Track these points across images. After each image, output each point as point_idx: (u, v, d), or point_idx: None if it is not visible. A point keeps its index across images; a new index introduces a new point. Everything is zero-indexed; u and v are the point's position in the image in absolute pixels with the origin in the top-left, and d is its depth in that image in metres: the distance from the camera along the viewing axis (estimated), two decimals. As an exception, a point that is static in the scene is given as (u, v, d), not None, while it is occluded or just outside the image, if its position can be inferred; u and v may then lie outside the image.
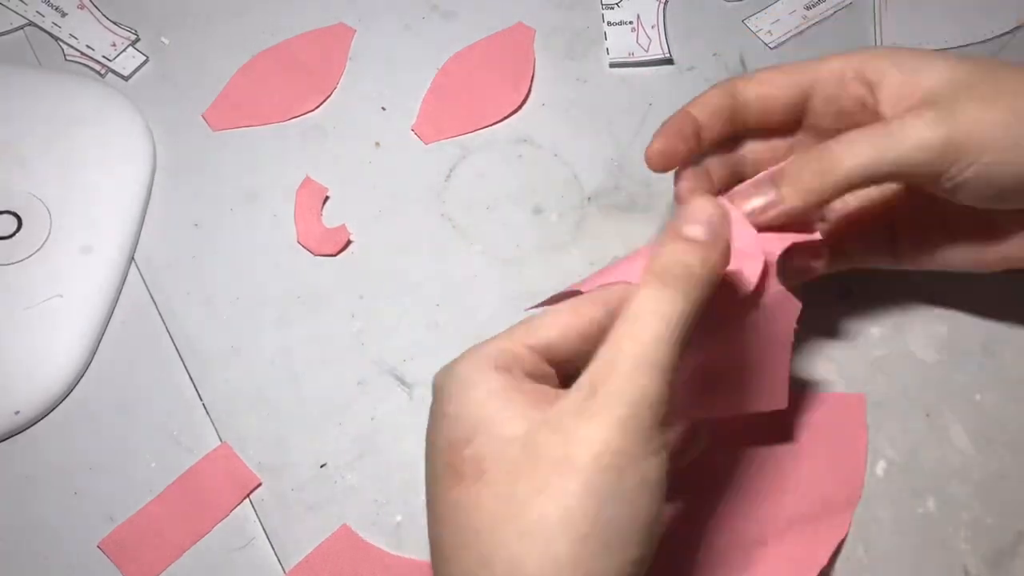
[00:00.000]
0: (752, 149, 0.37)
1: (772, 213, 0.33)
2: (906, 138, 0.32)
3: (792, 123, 0.37)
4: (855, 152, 0.32)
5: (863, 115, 0.34)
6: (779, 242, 0.33)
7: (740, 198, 0.34)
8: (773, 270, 0.33)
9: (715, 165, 0.37)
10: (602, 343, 0.27)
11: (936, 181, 0.33)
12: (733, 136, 0.37)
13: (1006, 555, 0.37)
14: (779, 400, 0.35)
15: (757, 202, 0.33)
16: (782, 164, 0.34)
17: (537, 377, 0.28)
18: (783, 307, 0.34)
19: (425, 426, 0.40)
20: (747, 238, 0.32)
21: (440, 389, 0.28)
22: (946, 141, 0.31)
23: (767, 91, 0.36)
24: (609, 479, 0.24)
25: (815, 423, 0.39)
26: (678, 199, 0.36)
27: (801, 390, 0.40)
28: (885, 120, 0.33)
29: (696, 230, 0.28)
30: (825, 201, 0.33)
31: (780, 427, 0.39)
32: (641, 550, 0.25)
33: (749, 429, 0.39)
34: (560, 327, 0.29)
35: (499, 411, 0.26)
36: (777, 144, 0.37)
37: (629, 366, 0.25)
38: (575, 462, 0.24)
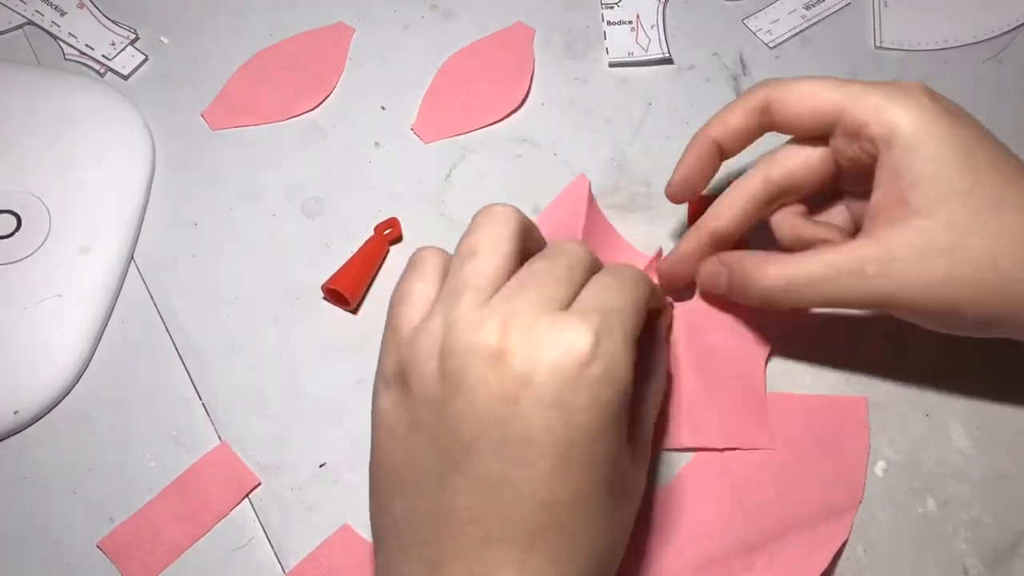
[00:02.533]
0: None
1: (717, 293, 0.39)
2: (850, 289, 0.34)
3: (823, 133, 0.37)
4: (792, 294, 0.35)
5: (872, 171, 0.34)
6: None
7: (702, 272, 0.40)
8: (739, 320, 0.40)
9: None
10: None
11: None
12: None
13: (1006, 555, 0.37)
14: (764, 441, 0.39)
15: (710, 285, 0.39)
16: (739, 263, 0.37)
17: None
18: (752, 350, 0.40)
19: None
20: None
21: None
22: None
23: (796, 116, 0.36)
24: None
25: (816, 426, 0.39)
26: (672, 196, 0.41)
27: (802, 392, 0.40)
28: (837, 251, 0.34)
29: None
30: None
31: (781, 430, 0.39)
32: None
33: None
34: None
35: None
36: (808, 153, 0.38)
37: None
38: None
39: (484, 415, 0.28)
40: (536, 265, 0.30)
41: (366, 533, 0.38)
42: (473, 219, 0.32)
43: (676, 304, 0.41)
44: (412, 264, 0.32)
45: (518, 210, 0.32)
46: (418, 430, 0.29)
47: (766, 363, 0.40)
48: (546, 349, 0.27)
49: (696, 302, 0.41)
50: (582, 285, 0.30)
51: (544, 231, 0.35)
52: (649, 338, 0.35)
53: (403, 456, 0.30)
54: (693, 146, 0.39)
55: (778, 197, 0.38)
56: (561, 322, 0.28)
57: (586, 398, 0.27)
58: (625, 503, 0.31)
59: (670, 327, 0.39)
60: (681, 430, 0.38)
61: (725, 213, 0.38)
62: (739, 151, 0.39)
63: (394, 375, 0.30)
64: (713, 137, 0.38)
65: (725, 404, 0.39)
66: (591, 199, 0.43)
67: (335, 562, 0.37)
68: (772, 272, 0.35)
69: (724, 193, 0.38)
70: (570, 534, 0.28)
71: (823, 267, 0.34)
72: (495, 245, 0.30)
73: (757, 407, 0.39)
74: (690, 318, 0.40)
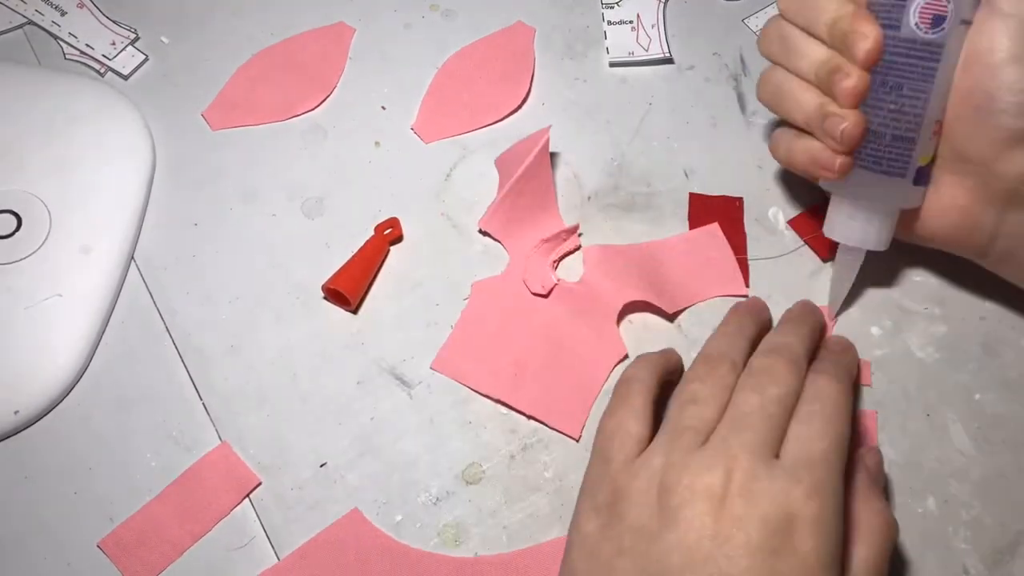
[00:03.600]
0: None
1: None
2: None
3: None
4: None
5: None
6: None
7: None
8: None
9: None
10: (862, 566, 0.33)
11: None
12: None
13: (1006, 555, 0.37)
14: (574, 427, 0.40)
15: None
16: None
17: None
18: (609, 349, 0.41)
19: (425, 423, 0.40)
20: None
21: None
22: None
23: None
24: None
25: None
26: None
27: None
28: None
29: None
30: None
31: None
32: None
33: None
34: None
35: None
36: None
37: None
38: None
39: (695, 549, 0.29)
40: (750, 401, 0.32)
41: (370, 515, 0.38)
42: (700, 357, 0.36)
43: (561, 280, 0.43)
44: (621, 397, 0.35)
45: (737, 359, 0.35)
46: (624, 555, 0.30)
47: (614, 367, 0.41)
48: (762, 501, 0.29)
49: (582, 286, 0.42)
50: (790, 415, 0.32)
51: (498, 169, 0.42)
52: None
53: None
54: None
55: None
56: (777, 476, 0.30)
57: (790, 549, 0.29)
58: None
59: (879, 464, 0.38)
60: (515, 390, 0.40)
61: None
62: None
63: (605, 503, 0.32)
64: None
65: (561, 385, 0.40)
66: (544, 150, 0.43)
67: (342, 544, 0.37)
68: None
69: None
70: None
71: None
72: (715, 395, 0.33)
73: (584, 402, 0.40)
74: (574, 299, 0.42)
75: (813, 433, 0.31)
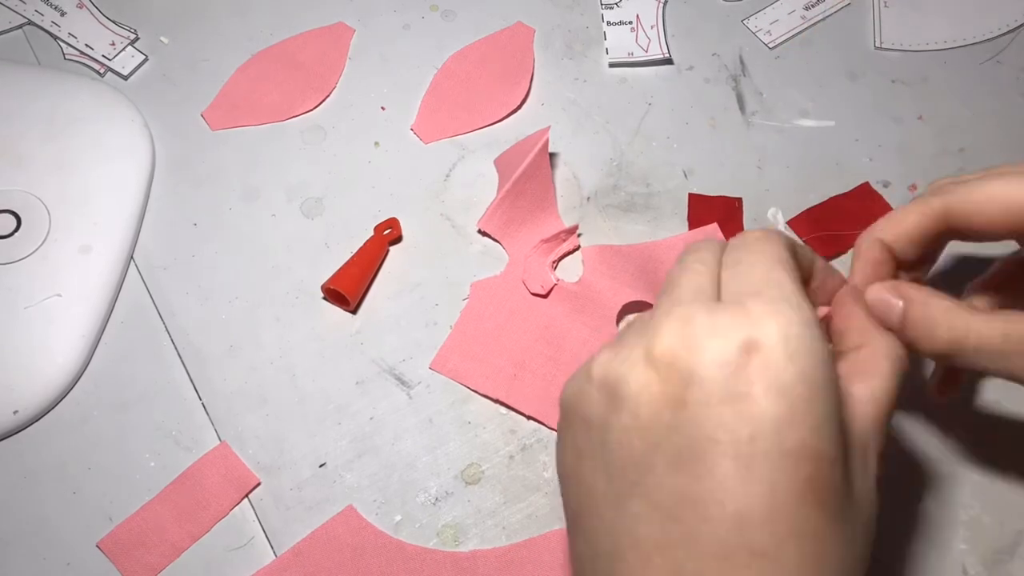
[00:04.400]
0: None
1: (885, 325, 0.32)
2: None
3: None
4: (980, 356, 0.30)
5: None
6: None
7: (872, 292, 0.33)
8: None
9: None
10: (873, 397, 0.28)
11: None
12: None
13: (1005, 555, 0.37)
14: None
15: (878, 307, 0.32)
16: (919, 299, 0.32)
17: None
18: None
19: (424, 423, 0.40)
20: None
21: (790, 371, 0.24)
22: None
23: (987, 221, 0.32)
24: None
25: None
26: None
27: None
28: None
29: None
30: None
31: None
32: None
33: None
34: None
35: (847, 434, 0.26)
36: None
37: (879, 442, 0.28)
38: (871, 525, 0.27)
39: (652, 426, 0.25)
40: (671, 272, 0.29)
41: (369, 515, 0.38)
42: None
43: (560, 280, 0.42)
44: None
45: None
46: (584, 457, 0.27)
47: None
48: (705, 341, 0.24)
49: (581, 286, 0.42)
50: (719, 266, 0.28)
51: (498, 170, 0.42)
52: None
53: (577, 492, 0.27)
54: (863, 251, 0.34)
55: (949, 232, 0.33)
56: (718, 312, 0.25)
57: (763, 384, 0.24)
58: (846, 520, 0.25)
59: (879, 302, 0.33)
60: (514, 390, 0.40)
61: (895, 226, 0.33)
62: (914, 260, 0.34)
63: (563, 422, 0.28)
64: (885, 240, 0.33)
65: (560, 385, 0.38)
66: (543, 150, 0.43)
67: (338, 540, 0.37)
68: (978, 325, 0.30)
69: (898, 208, 0.34)
70: (771, 558, 0.23)
71: None
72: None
73: None
74: (573, 299, 0.42)
75: (744, 266, 0.27)
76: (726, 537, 0.23)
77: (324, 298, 0.43)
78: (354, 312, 0.43)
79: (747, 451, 0.23)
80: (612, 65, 0.49)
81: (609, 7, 0.51)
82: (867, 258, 0.34)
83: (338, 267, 0.43)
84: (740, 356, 0.24)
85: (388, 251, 0.44)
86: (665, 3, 0.51)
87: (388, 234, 0.44)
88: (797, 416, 0.24)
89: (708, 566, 0.24)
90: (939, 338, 0.31)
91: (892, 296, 0.32)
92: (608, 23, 0.50)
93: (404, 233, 0.45)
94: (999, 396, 0.40)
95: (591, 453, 0.26)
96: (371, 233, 0.44)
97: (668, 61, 0.49)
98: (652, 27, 0.50)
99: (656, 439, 0.24)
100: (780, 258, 0.27)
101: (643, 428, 0.25)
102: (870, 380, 0.28)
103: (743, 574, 0.23)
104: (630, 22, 0.50)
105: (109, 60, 0.49)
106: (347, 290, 0.41)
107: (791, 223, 0.45)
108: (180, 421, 0.40)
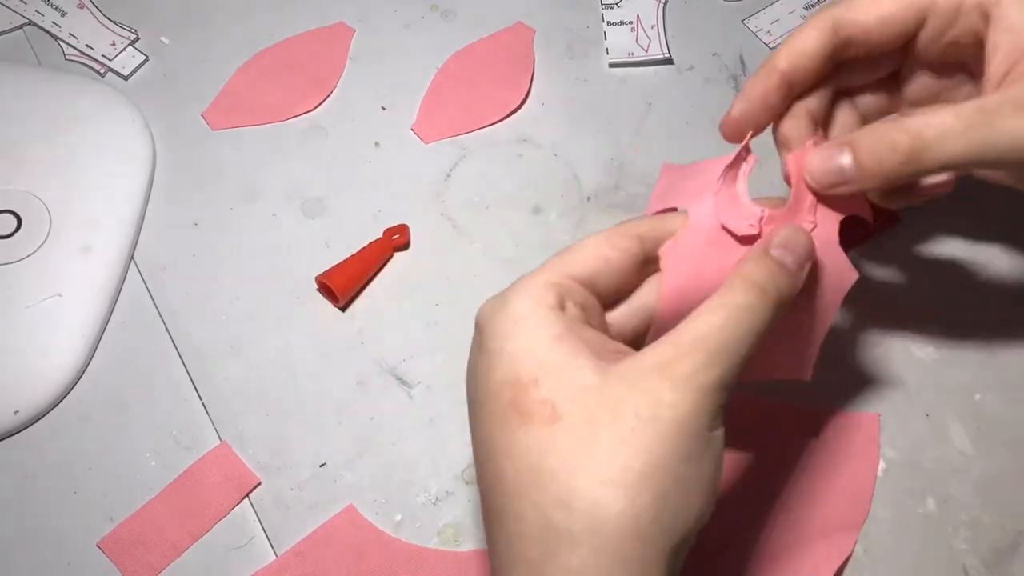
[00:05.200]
0: (852, 80, 0.35)
1: (842, 190, 0.31)
2: (1005, 133, 0.29)
3: (898, 52, 0.34)
4: (946, 143, 0.29)
5: (975, 51, 0.32)
6: (834, 215, 0.32)
7: (812, 166, 0.31)
8: (833, 239, 0.32)
9: (811, 102, 0.34)
10: (692, 317, 0.27)
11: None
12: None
13: (1005, 555, 0.37)
14: (803, 370, 0.33)
15: (829, 175, 0.31)
16: (858, 133, 0.31)
17: (587, 309, 0.30)
18: (837, 277, 0.33)
19: (425, 423, 0.40)
20: (806, 203, 0.32)
21: (491, 323, 0.28)
22: None
23: (877, 17, 0.32)
24: (688, 442, 0.26)
25: (828, 441, 0.39)
26: (781, 144, 0.34)
27: (814, 404, 0.40)
28: (985, 99, 0.30)
29: (788, 259, 0.29)
30: (901, 184, 0.31)
31: (792, 445, 0.39)
32: (705, 508, 0.27)
33: (760, 445, 0.39)
34: (600, 259, 0.30)
35: (569, 357, 0.27)
36: (880, 78, 0.35)
37: (716, 350, 0.26)
38: (661, 421, 0.26)
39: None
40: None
41: (370, 515, 0.38)
42: None
43: (765, 209, 0.32)
44: None
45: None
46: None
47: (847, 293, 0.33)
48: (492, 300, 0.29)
49: (784, 211, 0.32)
50: None
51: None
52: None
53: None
54: (759, 75, 0.33)
55: (841, 46, 0.33)
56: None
57: (486, 330, 0.29)
58: (566, 422, 0.26)
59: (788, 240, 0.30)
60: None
61: (795, 49, 0.33)
62: (810, 86, 0.33)
63: None
64: (781, 68, 0.33)
65: (785, 332, 0.32)
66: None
67: (338, 540, 0.37)
68: (927, 119, 0.29)
69: (789, 34, 0.34)
70: (497, 480, 0.27)
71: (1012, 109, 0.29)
72: None
73: (813, 340, 0.33)
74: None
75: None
76: (478, 471, 0.28)
77: (317, 289, 0.43)
78: (343, 309, 0.43)
79: (473, 396, 0.29)
80: (612, 65, 0.49)
81: (609, 7, 0.51)
82: (760, 81, 0.33)
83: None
84: (493, 308, 0.28)
85: (392, 256, 0.44)
86: (665, 3, 0.51)
87: (396, 239, 0.44)
88: (498, 353, 0.28)
89: (484, 499, 0.28)
90: (930, 158, 0.29)
91: (833, 148, 0.31)
92: (608, 23, 0.50)
93: (404, 233, 0.45)
94: (1000, 395, 0.40)
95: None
96: (379, 233, 0.44)
97: (668, 61, 0.49)
98: (652, 27, 0.50)
99: (482, 389, 0.28)
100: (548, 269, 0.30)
101: (476, 380, 0.29)
102: (708, 316, 0.28)
103: (485, 502, 0.27)
104: (630, 22, 0.50)
105: (110, 60, 0.49)
106: (337, 287, 0.41)
107: (791, 223, 0.44)
108: (180, 421, 0.40)
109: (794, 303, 0.30)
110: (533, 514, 0.26)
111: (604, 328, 0.31)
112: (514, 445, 0.26)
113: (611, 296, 0.31)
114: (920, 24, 0.33)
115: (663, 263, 0.31)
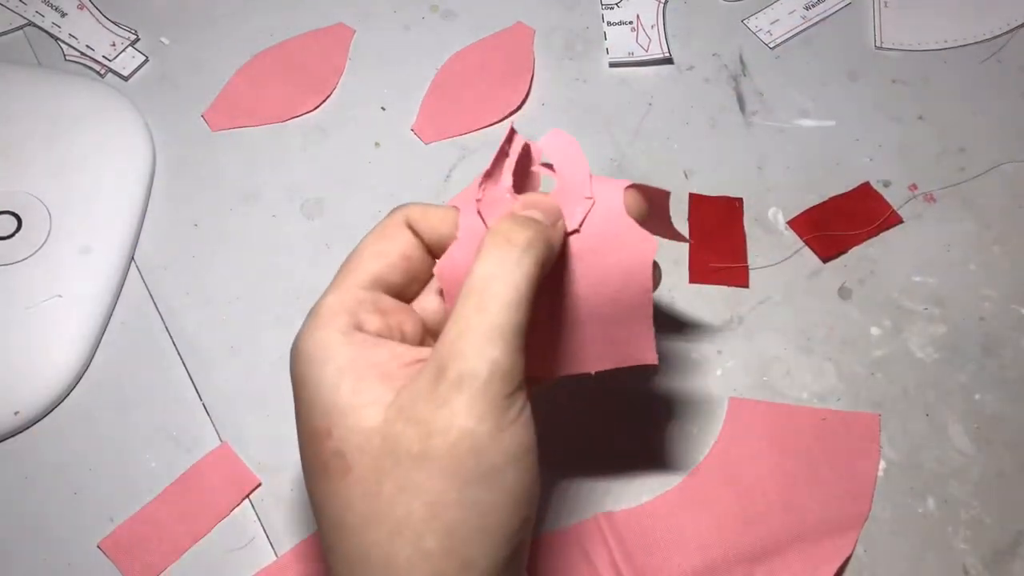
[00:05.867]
0: None
1: None
2: None
3: None
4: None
5: None
6: (616, 185, 0.30)
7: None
8: (619, 209, 0.30)
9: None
10: (450, 317, 0.26)
11: None
12: None
13: (1005, 555, 0.37)
14: (646, 353, 0.31)
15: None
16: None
17: (387, 312, 0.28)
18: (637, 249, 0.30)
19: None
20: (579, 179, 0.30)
21: (292, 369, 0.27)
22: None
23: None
24: (469, 464, 0.24)
25: (828, 441, 0.39)
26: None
27: (814, 403, 0.40)
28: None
29: (536, 214, 0.28)
30: None
31: (792, 443, 0.39)
32: (519, 518, 0.25)
33: (760, 445, 0.39)
34: (378, 257, 0.29)
35: (352, 396, 0.25)
36: None
37: (478, 341, 0.25)
38: (433, 455, 0.24)
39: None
40: None
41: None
42: None
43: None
44: None
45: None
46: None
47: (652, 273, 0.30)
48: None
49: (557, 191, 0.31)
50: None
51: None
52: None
53: None
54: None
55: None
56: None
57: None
58: (356, 474, 0.25)
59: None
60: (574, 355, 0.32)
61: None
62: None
63: None
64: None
65: (612, 321, 0.31)
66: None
67: None
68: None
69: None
70: (321, 538, 0.27)
71: None
72: None
73: (644, 322, 0.31)
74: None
75: None
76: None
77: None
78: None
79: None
80: (612, 65, 0.49)
81: (609, 7, 0.51)
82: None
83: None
84: (291, 353, 0.28)
85: None
86: (665, 3, 0.51)
87: None
88: (297, 405, 0.27)
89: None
90: None
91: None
92: (608, 23, 0.50)
93: (404, 233, 0.45)
94: (999, 396, 0.40)
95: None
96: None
97: (668, 61, 0.49)
98: (652, 27, 0.50)
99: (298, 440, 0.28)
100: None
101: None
102: (479, 264, 0.27)
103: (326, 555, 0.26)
104: (630, 22, 0.50)
105: (110, 61, 0.49)
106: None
107: (791, 223, 0.45)
108: (181, 422, 0.40)
109: (604, 283, 0.29)
110: (341, 568, 0.25)
111: (416, 323, 0.29)
112: (322, 499, 0.26)
113: (410, 286, 0.30)
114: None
115: (441, 282, 0.30)
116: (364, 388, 0.25)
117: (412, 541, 0.24)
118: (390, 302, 0.29)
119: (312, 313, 0.28)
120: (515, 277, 0.26)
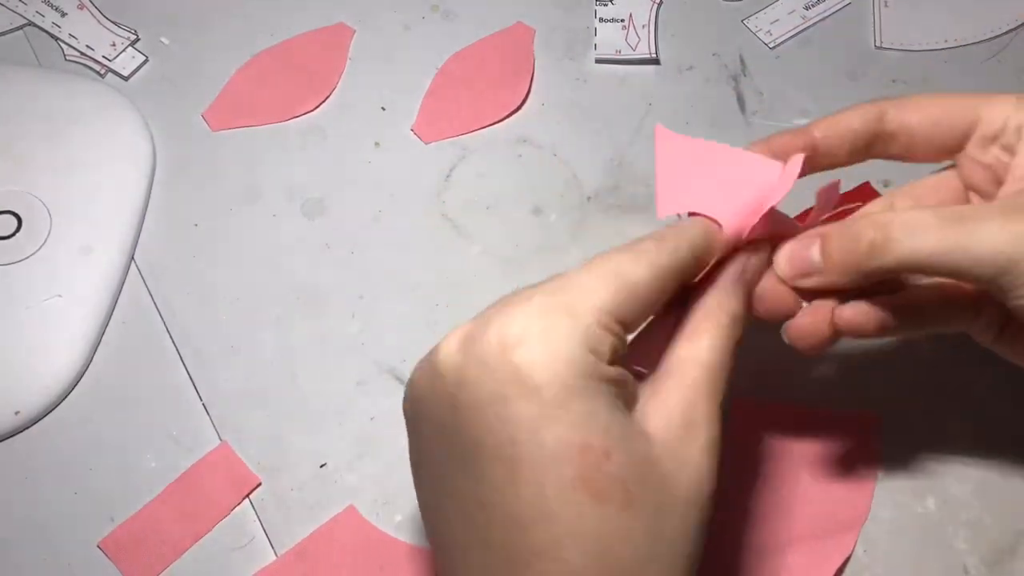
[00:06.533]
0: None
1: (809, 283, 0.31)
2: (983, 235, 0.26)
3: (938, 154, 0.33)
4: (914, 238, 0.27)
5: (1004, 169, 0.31)
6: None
7: (780, 257, 0.31)
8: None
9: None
10: (692, 361, 0.27)
11: (1003, 296, 0.28)
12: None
13: (1006, 555, 0.37)
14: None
15: (796, 266, 0.31)
16: (832, 226, 0.30)
17: (618, 347, 0.27)
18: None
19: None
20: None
21: (540, 363, 0.24)
22: (1013, 261, 0.26)
23: (923, 120, 0.32)
24: (709, 512, 0.26)
25: (828, 441, 0.39)
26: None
27: (815, 403, 0.40)
28: (967, 206, 0.29)
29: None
30: (870, 280, 0.30)
31: (792, 445, 0.39)
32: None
33: (760, 445, 0.39)
34: (633, 284, 0.27)
35: (627, 423, 0.25)
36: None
37: (711, 408, 0.27)
38: (699, 501, 0.26)
39: (441, 428, 0.26)
40: None
41: (370, 516, 0.38)
42: None
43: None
44: None
45: None
46: (414, 450, 0.29)
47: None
48: (474, 341, 0.25)
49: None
50: None
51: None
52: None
53: (417, 484, 0.30)
54: (789, 132, 0.32)
55: (884, 144, 0.32)
56: (489, 313, 0.26)
57: (516, 384, 0.24)
58: (643, 508, 0.24)
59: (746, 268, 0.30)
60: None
61: (835, 123, 0.32)
62: (836, 161, 0.33)
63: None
64: (814, 135, 0.32)
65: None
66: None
67: (338, 541, 0.37)
68: (903, 214, 0.28)
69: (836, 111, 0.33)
70: (552, 558, 0.23)
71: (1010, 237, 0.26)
72: None
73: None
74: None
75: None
76: (507, 539, 0.24)
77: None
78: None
79: (510, 454, 0.24)
80: (598, 61, 0.49)
81: (603, 4, 0.50)
82: (785, 139, 0.32)
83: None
84: (499, 356, 0.24)
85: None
86: (660, 3, 0.51)
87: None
88: (550, 414, 0.24)
89: (499, 568, 0.24)
90: (864, 238, 0.28)
91: (806, 239, 0.31)
92: (600, 20, 0.50)
93: (404, 233, 0.45)
94: (1000, 395, 0.40)
95: (416, 447, 0.28)
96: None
97: (655, 61, 0.49)
98: (644, 26, 0.50)
99: (446, 441, 0.25)
100: (601, 262, 0.27)
101: (437, 430, 0.26)
102: (696, 340, 0.27)
103: (529, 569, 0.24)
104: (622, 20, 0.50)
105: (110, 61, 0.49)
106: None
107: (791, 223, 0.45)
108: (181, 421, 0.40)
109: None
110: None
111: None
112: (582, 526, 0.23)
113: (633, 326, 0.27)
114: (966, 137, 0.32)
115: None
116: (632, 419, 0.26)
117: None
118: (623, 336, 0.27)
119: (564, 315, 0.25)
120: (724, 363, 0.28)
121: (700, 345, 0.27)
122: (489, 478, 0.24)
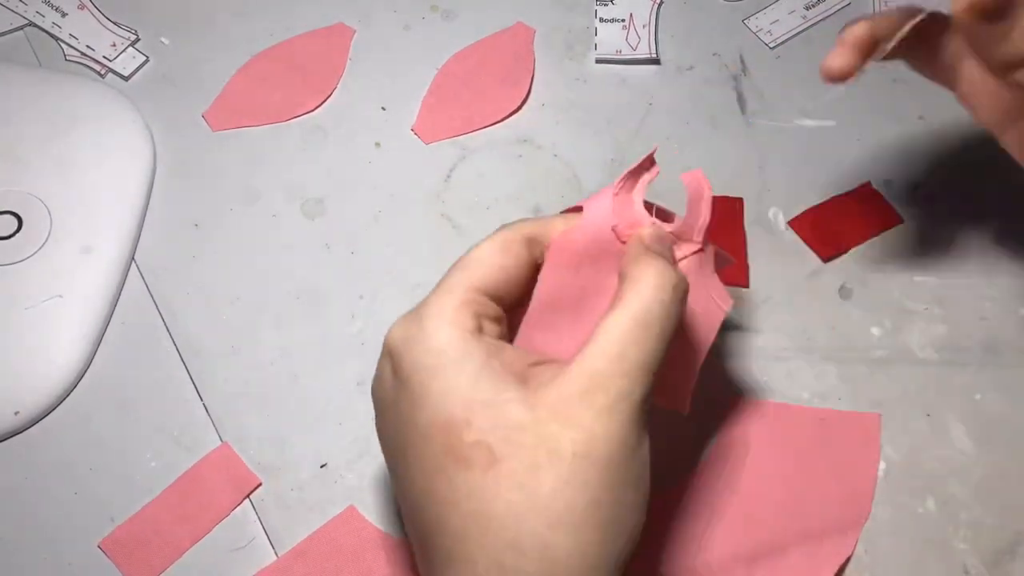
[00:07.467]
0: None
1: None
2: None
3: None
4: None
5: None
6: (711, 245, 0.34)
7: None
8: (710, 267, 0.33)
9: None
10: (602, 332, 0.27)
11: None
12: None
13: (1006, 555, 0.37)
14: (681, 403, 0.35)
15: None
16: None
17: (499, 322, 0.30)
18: (714, 306, 0.34)
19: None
20: (697, 225, 0.33)
21: (411, 356, 0.28)
22: None
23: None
24: (622, 470, 0.26)
25: (828, 441, 0.39)
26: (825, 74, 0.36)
27: (814, 403, 0.40)
28: None
29: (667, 254, 0.31)
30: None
31: (792, 443, 0.39)
32: (641, 517, 0.28)
33: (760, 445, 0.39)
34: (499, 268, 0.30)
35: (495, 392, 0.27)
36: None
37: (637, 371, 0.27)
38: (595, 456, 0.26)
39: (402, 417, 0.28)
40: None
41: (370, 516, 0.38)
42: None
43: (656, 221, 0.32)
44: None
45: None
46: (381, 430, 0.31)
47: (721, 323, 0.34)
48: (398, 327, 0.29)
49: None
50: None
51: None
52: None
53: (391, 462, 0.31)
54: (851, 27, 0.35)
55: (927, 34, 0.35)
56: (429, 297, 0.29)
57: (396, 374, 0.28)
58: (505, 465, 0.26)
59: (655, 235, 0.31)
60: None
61: (887, 20, 0.35)
62: (894, 54, 0.35)
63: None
64: (873, 25, 0.35)
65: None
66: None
67: (338, 541, 0.37)
68: None
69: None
70: (439, 532, 0.27)
71: None
72: None
73: (689, 371, 0.34)
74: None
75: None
76: (415, 522, 0.28)
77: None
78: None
79: (403, 444, 0.28)
80: (599, 61, 0.49)
81: (603, 4, 0.50)
82: (855, 39, 0.35)
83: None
84: (405, 345, 0.28)
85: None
86: (660, 4, 0.51)
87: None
88: (417, 402, 0.27)
89: (417, 548, 0.28)
90: None
91: None
92: (601, 19, 0.50)
93: (404, 233, 0.45)
94: (1000, 395, 0.40)
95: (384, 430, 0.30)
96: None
97: (655, 61, 0.49)
98: (644, 27, 0.50)
99: (408, 430, 0.28)
100: (483, 249, 0.30)
101: (398, 417, 0.28)
102: (607, 315, 0.28)
103: (429, 551, 0.27)
104: (623, 20, 0.50)
105: (110, 61, 0.49)
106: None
107: (791, 223, 0.45)
108: (181, 422, 0.40)
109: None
110: (483, 557, 0.26)
111: (507, 332, 0.31)
112: (454, 492, 0.26)
113: (511, 304, 0.31)
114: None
115: (548, 253, 0.31)
116: (502, 385, 0.27)
117: (572, 533, 0.25)
118: (501, 313, 0.30)
119: (435, 304, 0.29)
120: (674, 321, 0.28)
121: (607, 319, 0.28)
122: (400, 468, 0.28)
